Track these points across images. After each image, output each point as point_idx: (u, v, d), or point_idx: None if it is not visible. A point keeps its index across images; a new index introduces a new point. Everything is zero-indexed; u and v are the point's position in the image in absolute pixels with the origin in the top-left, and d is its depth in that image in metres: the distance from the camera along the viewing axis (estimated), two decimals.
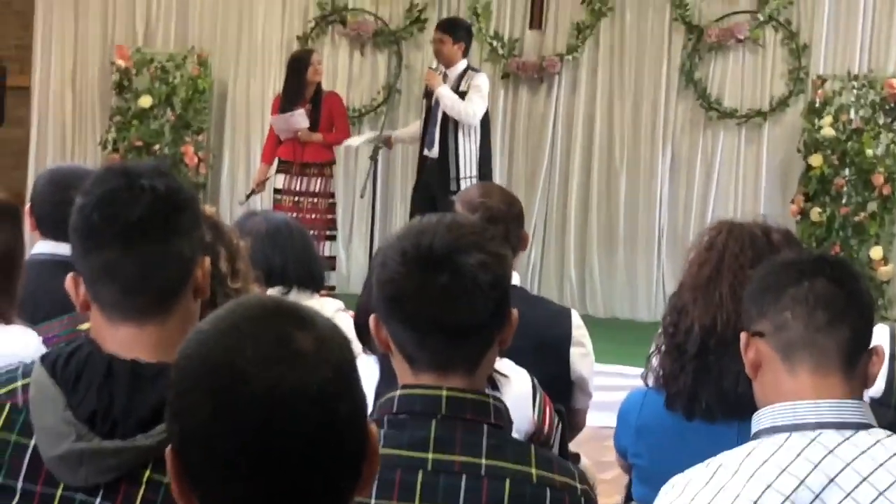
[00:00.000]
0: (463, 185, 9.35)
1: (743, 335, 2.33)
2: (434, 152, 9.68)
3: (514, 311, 2.20)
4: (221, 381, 1.42)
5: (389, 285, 2.13)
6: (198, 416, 1.43)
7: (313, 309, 1.54)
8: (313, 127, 9.95)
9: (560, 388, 3.75)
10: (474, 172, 9.61)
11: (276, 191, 10.19)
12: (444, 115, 9.61)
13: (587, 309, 10.82)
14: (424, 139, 9.81)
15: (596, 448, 6.25)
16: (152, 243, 2.09)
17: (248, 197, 10.33)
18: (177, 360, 1.49)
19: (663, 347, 3.07)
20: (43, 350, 3.22)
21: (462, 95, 9.56)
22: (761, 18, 10.79)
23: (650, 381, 3.10)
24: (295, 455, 1.42)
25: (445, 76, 9.71)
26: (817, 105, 10.34)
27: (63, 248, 3.79)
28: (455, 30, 9.82)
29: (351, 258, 11.65)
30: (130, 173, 2.12)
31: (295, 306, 1.52)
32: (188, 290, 2.14)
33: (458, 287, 2.09)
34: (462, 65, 9.74)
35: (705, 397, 2.96)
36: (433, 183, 9.65)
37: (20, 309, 3.67)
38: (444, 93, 9.52)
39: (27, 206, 4.02)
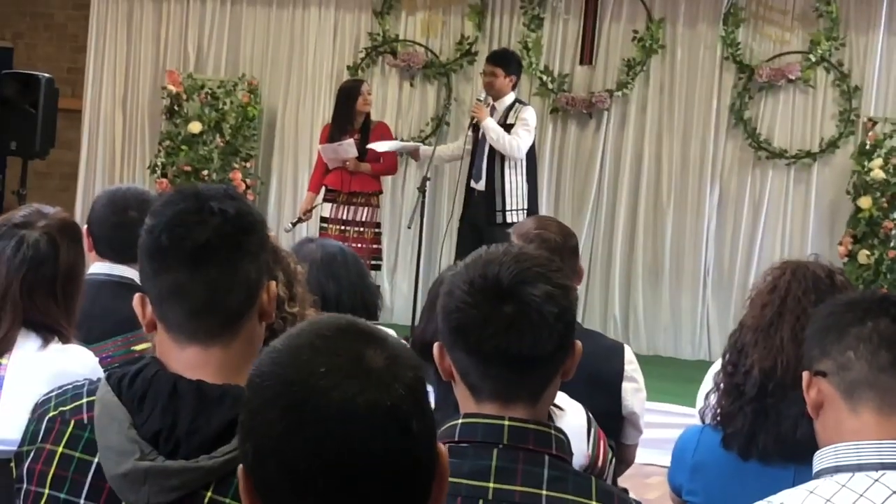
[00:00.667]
0: (509, 218, 9.37)
1: (805, 375, 2.31)
2: (481, 185, 9.68)
3: (578, 343, 2.19)
4: (296, 398, 1.43)
5: (455, 315, 2.12)
6: (272, 432, 1.43)
7: (385, 329, 1.55)
8: (361, 157, 9.95)
9: (611, 422, 3.73)
10: (520, 205, 9.59)
11: (323, 219, 10.18)
12: (491, 148, 9.60)
13: (631, 345, 10.71)
14: (471, 171, 9.83)
15: (638, 484, 6.24)
16: (220, 266, 2.10)
17: (294, 225, 10.35)
18: (250, 378, 1.50)
19: (722, 386, 3.05)
20: (100, 370, 3.24)
21: (509, 128, 9.56)
22: (813, 60, 10.76)
23: (707, 419, 3.09)
24: (369, 470, 1.42)
25: (494, 108, 9.73)
26: (867, 147, 10.31)
27: (119, 269, 3.82)
28: (507, 63, 9.82)
29: (395, 289, 11.66)
30: (200, 196, 2.13)
31: (367, 326, 1.54)
32: (254, 313, 2.15)
33: (524, 318, 2.09)
34: (510, 97, 9.74)
35: (762, 439, 2.95)
36: (479, 215, 9.66)
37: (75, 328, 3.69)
38: (490, 125, 9.52)
39: (84, 227, 4.04)
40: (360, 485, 1.42)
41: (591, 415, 3.16)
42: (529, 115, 9.66)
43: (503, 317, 2.08)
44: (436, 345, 2.20)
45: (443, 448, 1.54)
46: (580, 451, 3.03)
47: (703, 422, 3.12)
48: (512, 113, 9.63)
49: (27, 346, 3.25)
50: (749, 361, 3.00)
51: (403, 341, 3.98)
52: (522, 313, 2.09)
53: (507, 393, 2.13)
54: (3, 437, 3.10)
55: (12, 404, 3.13)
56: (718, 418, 3.05)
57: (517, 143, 9.51)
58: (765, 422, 2.96)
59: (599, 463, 3.12)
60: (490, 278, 2.11)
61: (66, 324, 3.33)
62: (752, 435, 2.96)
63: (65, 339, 3.30)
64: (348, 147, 9.83)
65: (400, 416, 1.44)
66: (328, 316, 1.56)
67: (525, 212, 9.50)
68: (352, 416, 1.41)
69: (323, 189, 10.21)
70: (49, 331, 3.28)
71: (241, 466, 1.50)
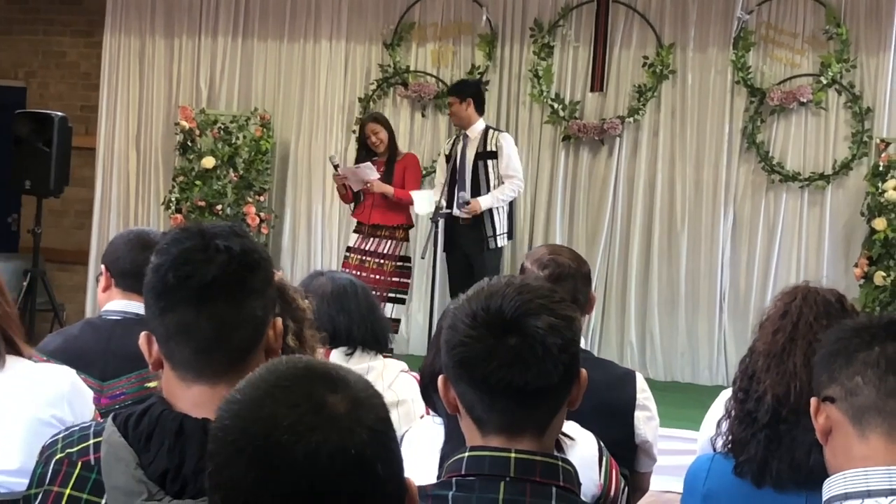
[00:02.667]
0: (499, 242, 9.65)
1: (813, 401, 2.30)
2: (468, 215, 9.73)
3: (584, 372, 2.19)
4: (261, 452, 1.45)
5: (459, 348, 2.12)
6: (241, 486, 1.46)
7: (344, 368, 1.57)
8: (387, 180, 9.94)
9: (624, 451, 3.72)
10: (506, 229, 9.80)
11: (348, 248, 10.21)
12: (473, 179, 9.73)
13: (647, 372, 10.74)
14: (452, 201, 9.82)
15: None
16: (227, 304, 2.11)
17: (332, 160, 10.28)
18: (213, 430, 1.52)
19: (733, 413, 3.04)
20: (80, 382, 3.22)
21: (491, 154, 9.71)
22: (824, 82, 10.75)
23: (718, 446, 3.08)
24: None
25: (466, 136, 9.81)
26: (881, 168, 10.29)
27: (134, 307, 3.82)
28: (459, 90, 9.98)
29: (410, 319, 11.63)
30: (206, 234, 2.14)
31: (326, 367, 1.56)
32: (260, 350, 2.16)
33: (528, 350, 2.09)
34: (480, 125, 9.87)
35: (776, 466, 2.93)
36: (466, 244, 9.75)
37: (91, 366, 3.68)
38: (486, 203, 9.64)
39: (101, 265, 4.04)
40: None
41: (602, 444, 3.14)
42: (512, 150, 9.83)
43: (507, 349, 2.08)
44: (440, 378, 2.20)
45: (411, 481, 1.56)
46: (592, 480, 3.03)
47: (713, 449, 3.11)
48: (490, 139, 9.73)
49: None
50: (762, 387, 2.99)
51: (406, 377, 3.95)
52: (526, 345, 2.09)
53: (514, 425, 2.13)
54: (1, 468, 3.08)
55: (4, 435, 3.09)
56: (730, 445, 3.04)
57: (515, 187, 9.79)
58: (778, 448, 2.94)
59: (612, 493, 3.10)
60: (493, 311, 2.11)
61: (16, 328, 3.26)
62: (765, 462, 2.95)
63: (19, 349, 3.25)
64: (367, 170, 9.82)
65: (364, 462, 1.47)
66: (286, 361, 1.57)
67: (506, 235, 9.85)
68: (316, 465, 1.44)
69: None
70: (6, 341, 3.22)
71: None
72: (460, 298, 2.20)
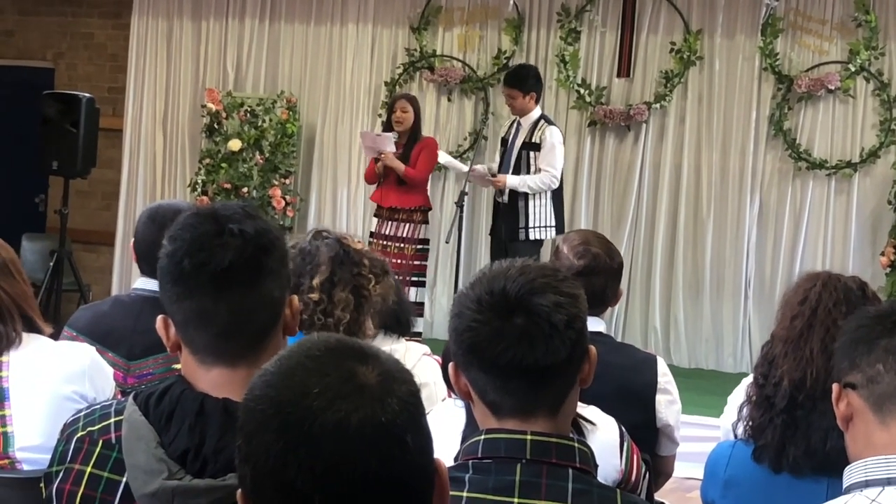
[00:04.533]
0: (532, 235, 9.48)
1: (835, 387, 2.30)
2: (505, 198, 9.68)
3: (593, 348, 2.20)
4: (290, 420, 1.44)
5: (467, 334, 2.13)
6: (269, 455, 1.44)
7: (375, 346, 1.56)
8: (402, 162, 9.90)
9: (645, 435, 3.72)
10: (545, 223, 9.59)
11: (371, 234, 10.18)
12: (517, 164, 9.61)
13: (672, 359, 10.73)
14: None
15: (680, 499, 6.21)
16: (244, 288, 2.10)
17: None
18: (244, 402, 1.51)
19: (753, 398, 3.04)
20: (101, 362, 3.23)
21: (534, 146, 9.57)
22: (852, 69, 10.70)
23: (739, 431, 3.08)
24: (367, 487, 1.43)
25: (519, 124, 9.72)
26: None
27: None
28: (523, 83, 9.72)
29: (435, 304, 11.64)
30: (219, 217, 2.13)
31: (357, 343, 1.55)
32: (278, 329, 2.16)
33: (535, 328, 2.10)
34: (536, 113, 9.70)
35: (793, 452, 2.93)
36: (504, 229, 9.66)
37: (119, 344, 3.69)
38: (515, 182, 9.52)
39: (131, 242, 4.07)
40: (358, 501, 1.43)
41: (623, 429, 3.14)
42: (557, 143, 9.61)
43: (514, 329, 2.10)
44: (450, 366, 2.20)
45: (441, 461, 1.55)
46: (613, 466, 3.02)
47: (734, 435, 3.11)
48: (537, 131, 9.59)
49: (20, 348, 3.19)
50: (779, 373, 2.99)
51: (428, 360, 3.96)
52: (533, 324, 2.10)
53: (527, 407, 2.13)
54: (25, 445, 3.09)
55: (27, 411, 3.11)
56: (750, 431, 3.04)
57: (547, 180, 9.52)
58: (794, 434, 2.95)
59: (633, 478, 3.10)
60: (497, 293, 2.13)
61: (34, 307, 3.28)
62: (781, 447, 2.95)
63: (38, 327, 3.26)
64: (387, 139, 9.76)
65: (395, 432, 1.45)
66: (317, 336, 1.56)
67: (553, 229, 9.58)
68: (346, 434, 1.42)
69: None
70: (26, 319, 3.24)
71: (239, 491, 1.51)
72: (465, 286, 2.21)
